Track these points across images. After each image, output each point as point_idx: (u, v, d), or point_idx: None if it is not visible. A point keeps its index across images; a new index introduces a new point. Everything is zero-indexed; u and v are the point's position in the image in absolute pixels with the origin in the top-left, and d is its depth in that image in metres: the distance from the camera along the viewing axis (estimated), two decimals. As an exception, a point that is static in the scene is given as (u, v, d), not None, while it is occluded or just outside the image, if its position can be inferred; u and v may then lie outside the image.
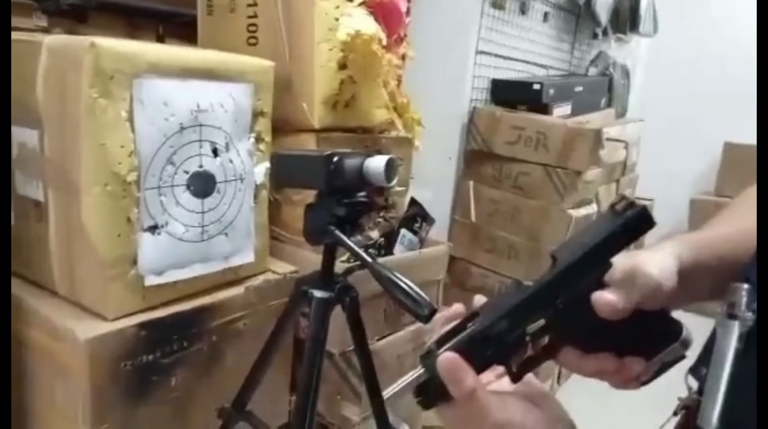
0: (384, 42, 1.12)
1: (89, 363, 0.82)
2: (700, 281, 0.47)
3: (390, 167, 0.83)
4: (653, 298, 0.43)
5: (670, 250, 0.47)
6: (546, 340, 0.45)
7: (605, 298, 0.41)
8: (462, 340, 0.44)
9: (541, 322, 0.44)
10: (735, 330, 0.39)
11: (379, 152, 0.88)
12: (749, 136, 2.78)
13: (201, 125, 0.91)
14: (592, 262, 0.43)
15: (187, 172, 0.91)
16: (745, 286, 0.39)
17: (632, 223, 0.44)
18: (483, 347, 0.43)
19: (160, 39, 1.40)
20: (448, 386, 0.42)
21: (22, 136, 0.89)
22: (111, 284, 0.85)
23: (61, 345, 0.84)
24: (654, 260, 0.44)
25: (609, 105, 2.70)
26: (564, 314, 0.44)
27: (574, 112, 2.24)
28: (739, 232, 0.45)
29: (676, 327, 0.46)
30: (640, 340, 0.46)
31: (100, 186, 0.82)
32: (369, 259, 0.77)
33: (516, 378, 0.45)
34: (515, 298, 0.44)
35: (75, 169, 0.83)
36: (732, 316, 0.39)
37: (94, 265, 0.85)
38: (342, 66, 1.14)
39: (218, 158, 0.95)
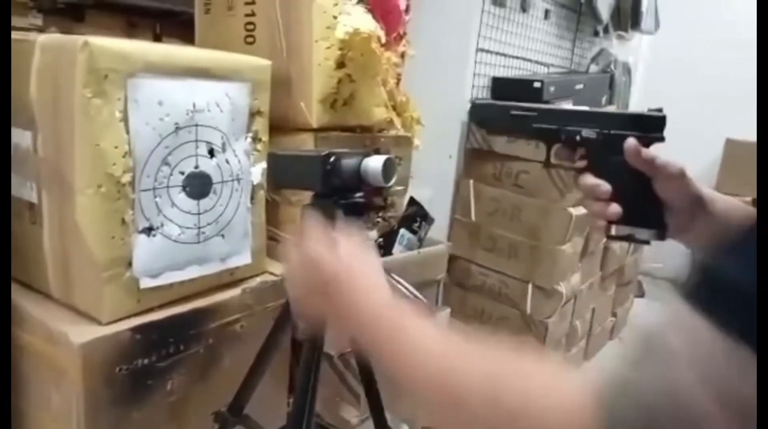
0: (383, 40, 1.10)
1: (83, 367, 0.80)
2: (711, 222, 0.58)
3: (388, 167, 0.82)
4: (672, 179, 0.59)
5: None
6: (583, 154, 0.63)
7: (634, 142, 0.59)
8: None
9: (593, 132, 0.62)
10: None
11: (378, 151, 0.86)
12: (751, 133, 2.77)
13: (197, 125, 0.90)
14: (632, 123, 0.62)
15: (182, 173, 0.90)
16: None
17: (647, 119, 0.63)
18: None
19: (158, 38, 1.39)
20: None
21: (15, 136, 0.88)
22: (105, 287, 0.84)
23: (55, 349, 0.83)
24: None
25: (610, 102, 2.68)
26: (608, 138, 0.61)
27: (575, 110, 2.22)
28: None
29: (663, 225, 0.60)
30: (634, 207, 0.61)
31: (94, 187, 0.80)
32: (367, 262, 0.76)
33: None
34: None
35: (69, 170, 0.81)
36: None
37: (89, 268, 0.84)
38: (340, 64, 1.13)
39: (214, 159, 0.94)
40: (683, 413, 0.29)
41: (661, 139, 0.63)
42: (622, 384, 0.32)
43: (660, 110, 0.64)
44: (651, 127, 0.63)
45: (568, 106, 0.67)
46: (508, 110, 0.70)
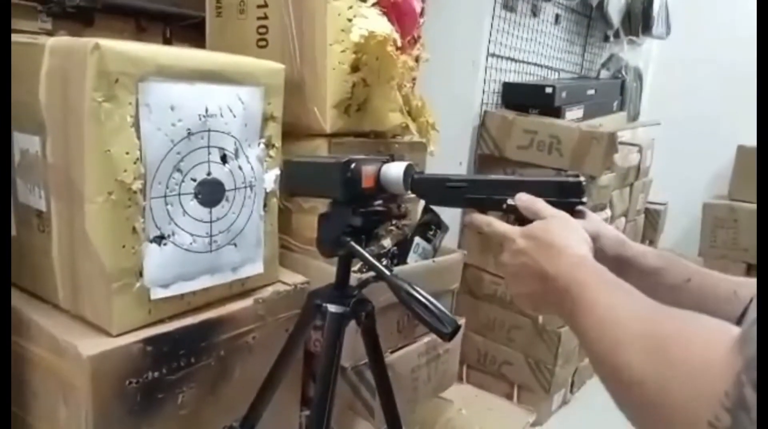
0: (398, 43, 1.08)
1: (92, 380, 0.78)
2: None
3: (408, 174, 0.79)
4: None
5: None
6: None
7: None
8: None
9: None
10: None
11: (392, 158, 0.84)
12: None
13: (209, 130, 0.87)
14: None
15: (194, 180, 0.87)
16: None
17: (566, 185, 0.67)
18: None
19: (168, 42, 1.37)
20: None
21: (24, 142, 0.85)
22: (115, 298, 0.81)
23: (64, 361, 0.80)
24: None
25: (621, 108, 2.65)
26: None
27: (587, 116, 2.20)
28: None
29: None
30: None
31: (104, 194, 0.78)
32: (387, 273, 0.73)
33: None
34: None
35: (78, 177, 0.79)
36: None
37: (98, 278, 0.81)
38: (355, 68, 1.10)
39: (227, 165, 0.91)
40: None
41: (581, 203, 0.67)
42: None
43: (577, 176, 0.68)
44: (569, 193, 0.66)
45: (498, 177, 0.77)
46: (443, 183, 0.76)
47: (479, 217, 0.70)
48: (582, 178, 0.68)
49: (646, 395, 0.40)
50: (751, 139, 2.71)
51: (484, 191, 0.72)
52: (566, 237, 0.59)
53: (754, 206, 2.71)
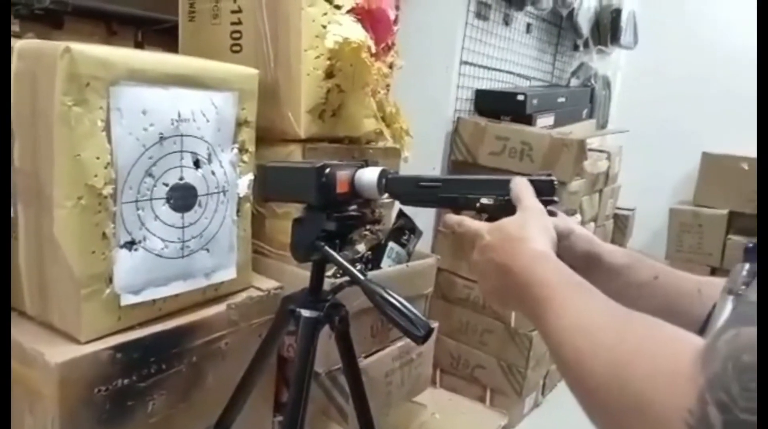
0: (373, 50, 1.09)
1: (60, 388, 0.76)
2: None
3: (383, 179, 0.80)
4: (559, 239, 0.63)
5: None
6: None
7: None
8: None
9: (491, 198, 0.69)
10: (729, 303, 0.46)
11: (367, 163, 0.84)
12: (726, 147, 2.83)
13: (182, 135, 0.87)
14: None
15: (166, 185, 0.86)
16: (746, 265, 0.46)
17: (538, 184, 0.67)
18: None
19: (139, 46, 1.35)
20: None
21: (-11, 145, 0.84)
22: (84, 304, 0.80)
23: (30, 370, 0.78)
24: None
25: (591, 116, 2.71)
26: (505, 204, 0.67)
27: (557, 123, 2.24)
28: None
29: None
30: None
31: (73, 199, 0.77)
32: (361, 277, 0.74)
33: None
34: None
35: (47, 182, 0.77)
36: (730, 291, 0.46)
37: (67, 284, 0.80)
38: (329, 74, 1.11)
39: (200, 170, 0.91)
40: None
41: (554, 202, 0.67)
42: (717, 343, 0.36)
43: (549, 175, 0.68)
44: (542, 191, 0.66)
45: (471, 176, 0.76)
46: (416, 182, 0.76)
47: (451, 217, 0.70)
48: (554, 177, 0.68)
49: (610, 404, 0.40)
50: (714, 147, 2.81)
51: (456, 190, 0.73)
52: (528, 231, 0.59)
53: (718, 211, 2.79)
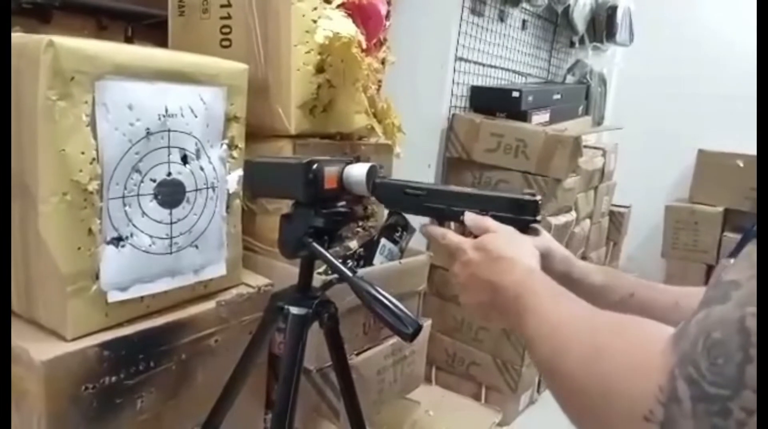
0: (363, 45, 1.08)
1: (46, 387, 0.75)
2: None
3: (371, 175, 0.79)
4: None
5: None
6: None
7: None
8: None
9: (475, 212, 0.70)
10: None
11: (358, 159, 0.84)
12: (722, 144, 2.82)
13: (169, 130, 0.86)
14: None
15: (154, 181, 0.85)
16: (731, 261, 0.47)
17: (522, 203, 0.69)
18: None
19: (129, 41, 1.34)
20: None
21: (-26, 141, 0.83)
22: (71, 301, 0.79)
23: (17, 367, 0.78)
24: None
25: (586, 113, 2.70)
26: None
27: (553, 120, 2.23)
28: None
29: None
30: None
31: (58, 195, 0.76)
32: (349, 274, 0.73)
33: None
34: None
35: (31, 178, 0.77)
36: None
37: (53, 281, 0.79)
38: (319, 69, 1.10)
39: (188, 166, 0.90)
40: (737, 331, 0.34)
41: (536, 221, 0.68)
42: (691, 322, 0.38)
43: (534, 194, 0.69)
44: (525, 210, 0.68)
45: (457, 188, 0.76)
46: (402, 189, 0.76)
47: (434, 229, 0.71)
48: (539, 198, 0.70)
49: (587, 401, 0.41)
50: (709, 144, 2.80)
51: (441, 201, 0.73)
52: (515, 250, 0.61)
53: (714, 209, 2.80)
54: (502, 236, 0.64)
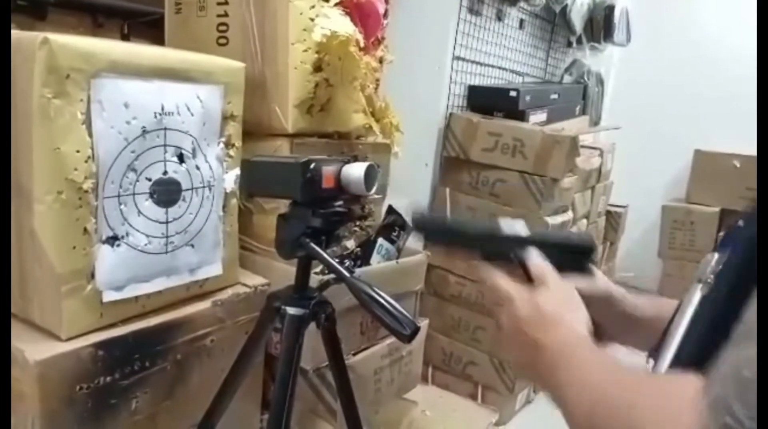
0: (361, 44, 1.07)
1: (40, 387, 0.75)
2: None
3: (370, 174, 0.79)
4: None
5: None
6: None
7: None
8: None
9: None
10: (698, 291, 0.48)
11: (356, 159, 0.83)
12: (718, 144, 2.82)
13: (166, 129, 0.85)
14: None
15: (149, 180, 0.85)
16: (715, 255, 0.47)
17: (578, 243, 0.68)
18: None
19: (125, 38, 1.33)
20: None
21: (-32, 139, 0.82)
22: (65, 301, 0.78)
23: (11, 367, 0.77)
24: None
25: (584, 112, 2.70)
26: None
27: (550, 119, 2.23)
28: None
29: None
30: None
31: (53, 194, 0.75)
32: (347, 274, 0.73)
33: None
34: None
35: (26, 176, 0.76)
36: (699, 280, 0.48)
37: (48, 280, 0.78)
38: (317, 68, 1.09)
39: (184, 164, 0.89)
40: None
41: (593, 262, 0.67)
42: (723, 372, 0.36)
43: (589, 236, 0.67)
44: (582, 253, 0.66)
45: (512, 233, 0.68)
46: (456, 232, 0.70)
47: (486, 269, 0.64)
48: (593, 238, 0.66)
49: None
50: (706, 144, 2.81)
51: (495, 246, 0.66)
52: (567, 311, 0.58)
53: (710, 209, 2.80)
54: (558, 294, 0.59)
